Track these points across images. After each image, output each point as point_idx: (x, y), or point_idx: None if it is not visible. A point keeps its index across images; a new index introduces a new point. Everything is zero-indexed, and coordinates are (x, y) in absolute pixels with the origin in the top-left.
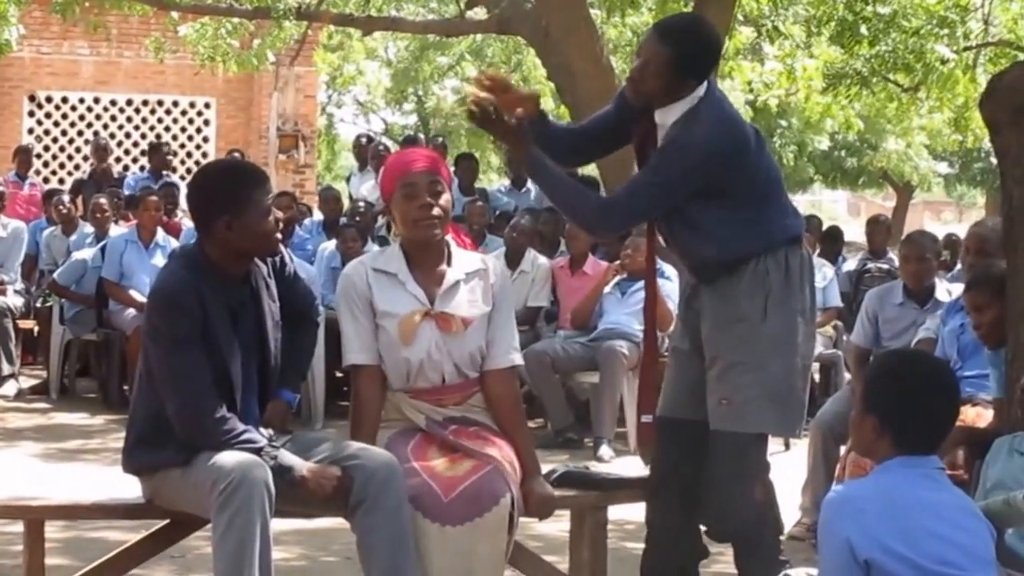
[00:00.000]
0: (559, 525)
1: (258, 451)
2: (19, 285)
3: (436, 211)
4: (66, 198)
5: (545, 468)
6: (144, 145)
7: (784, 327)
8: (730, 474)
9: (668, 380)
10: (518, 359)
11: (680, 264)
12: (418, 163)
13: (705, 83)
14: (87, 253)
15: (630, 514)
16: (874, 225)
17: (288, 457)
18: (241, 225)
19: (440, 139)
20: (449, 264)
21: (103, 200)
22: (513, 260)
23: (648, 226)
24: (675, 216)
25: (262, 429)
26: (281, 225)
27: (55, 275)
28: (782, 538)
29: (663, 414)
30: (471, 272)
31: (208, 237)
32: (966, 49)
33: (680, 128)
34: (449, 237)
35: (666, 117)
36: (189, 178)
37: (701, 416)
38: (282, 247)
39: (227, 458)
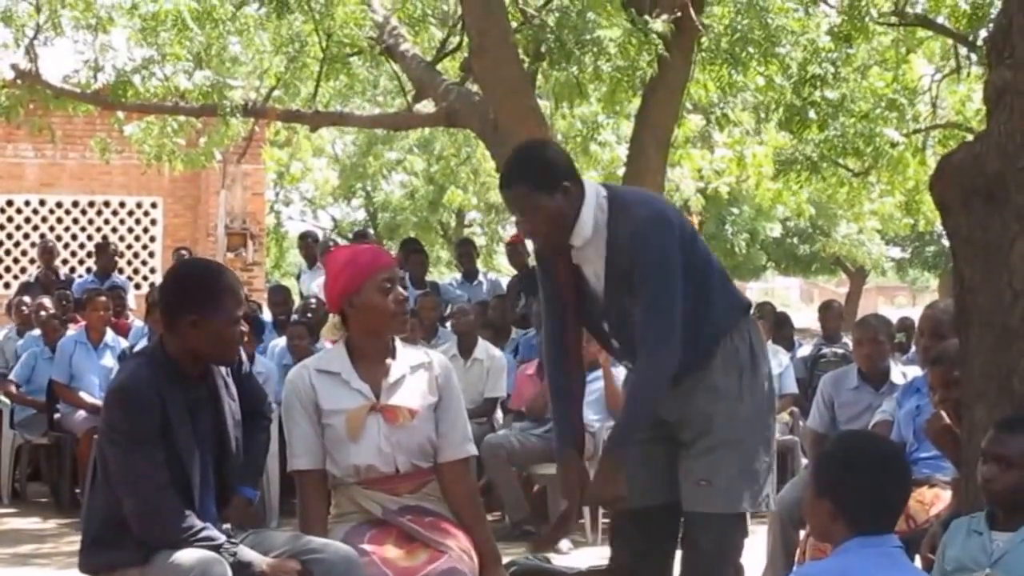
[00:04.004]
0: None
1: (217, 548)
2: None
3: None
4: (27, 299)
5: (504, 561)
6: (91, 247)
7: (757, 404)
8: (710, 556)
9: (630, 472)
10: (472, 449)
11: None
12: (385, 256)
13: (585, 185)
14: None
15: None
16: (826, 310)
17: (247, 553)
18: (207, 326)
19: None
20: (394, 358)
21: (46, 301)
22: (466, 349)
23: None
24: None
25: (220, 525)
26: (245, 337)
27: (12, 375)
28: None
29: (627, 507)
30: (415, 365)
31: (172, 332)
32: (915, 132)
33: (623, 230)
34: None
35: (580, 233)
36: (167, 271)
37: (665, 499)
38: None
39: (186, 556)
